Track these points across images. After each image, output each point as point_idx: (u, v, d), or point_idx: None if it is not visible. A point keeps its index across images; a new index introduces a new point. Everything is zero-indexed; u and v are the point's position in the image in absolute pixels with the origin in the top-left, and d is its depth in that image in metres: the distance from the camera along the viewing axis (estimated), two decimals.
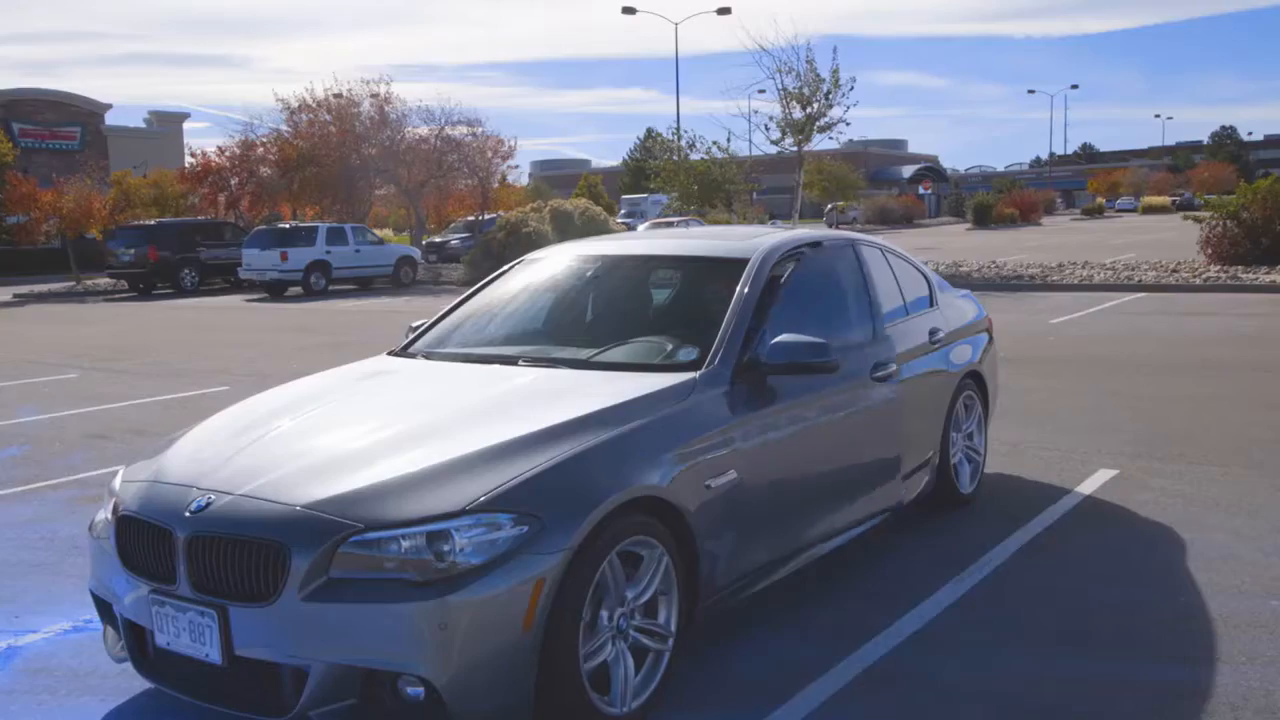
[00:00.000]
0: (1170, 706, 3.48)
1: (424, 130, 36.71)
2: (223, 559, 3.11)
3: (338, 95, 36.67)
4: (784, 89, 24.36)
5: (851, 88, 24.26)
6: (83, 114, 48.53)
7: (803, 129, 24.64)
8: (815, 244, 5.00)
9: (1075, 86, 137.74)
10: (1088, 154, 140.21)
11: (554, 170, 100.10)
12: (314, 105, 36.79)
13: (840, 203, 38.66)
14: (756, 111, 28.22)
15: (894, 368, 4.89)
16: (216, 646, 3.07)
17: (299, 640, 2.98)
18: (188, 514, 3.20)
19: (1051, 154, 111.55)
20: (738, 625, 4.17)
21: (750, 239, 4.81)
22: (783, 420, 4.13)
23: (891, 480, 4.97)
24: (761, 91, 25.74)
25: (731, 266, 4.48)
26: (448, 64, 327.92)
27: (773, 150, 26.03)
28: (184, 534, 3.17)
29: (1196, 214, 23.07)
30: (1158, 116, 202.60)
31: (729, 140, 31.57)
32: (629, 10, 43.85)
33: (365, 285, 27.48)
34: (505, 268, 5.37)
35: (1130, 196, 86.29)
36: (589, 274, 5.04)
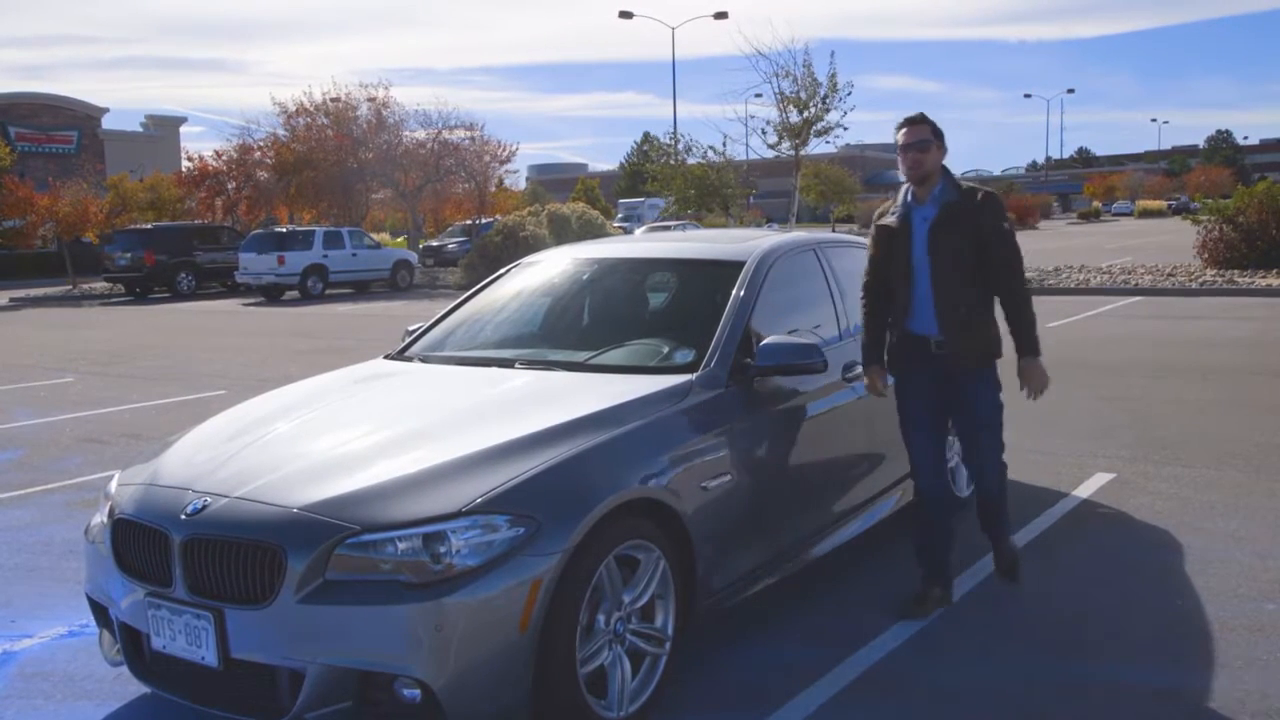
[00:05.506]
0: (1167, 710, 3.48)
1: (421, 134, 36.76)
2: (219, 561, 3.10)
3: (335, 99, 36.69)
4: (780, 93, 24.43)
5: (849, 92, 24.33)
6: (79, 118, 48.56)
7: (799, 133, 24.68)
8: (812, 247, 5.01)
9: (1071, 90, 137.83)
10: (1084, 158, 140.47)
11: (551, 174, 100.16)
12: (311, 109, 36.81)
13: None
14: (754, 116, 28.24)
15: None
16: (213, 649, 3.07)
17: (295, 642, 2.97)
18: (184, 516, 3.19)
19: (1048, 158, 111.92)
20: (735, 628, 4.17)
21: (746, 242, 4.81)
22: (780, 421, 4.15)
23: (888, 482, 4.99)
24: (758, 95, 25.80)
25: (728, 269, 4.48)
26: (442, 67, 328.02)
27: (769, 154, 26.07)
28: (180, 536, 3.16)
29: (1193, 217, 23.10)
30: (1154, 121, 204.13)
31: (725, 144, 31.65)
32: (626, 14, 43.82)
33: (362, 289, 27.47)
34: (502, 271, 5.38)
35: (1126, 200, 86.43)
36: (585, 277, 5.04)
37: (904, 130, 4.22)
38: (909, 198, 4.27)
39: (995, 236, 4.17)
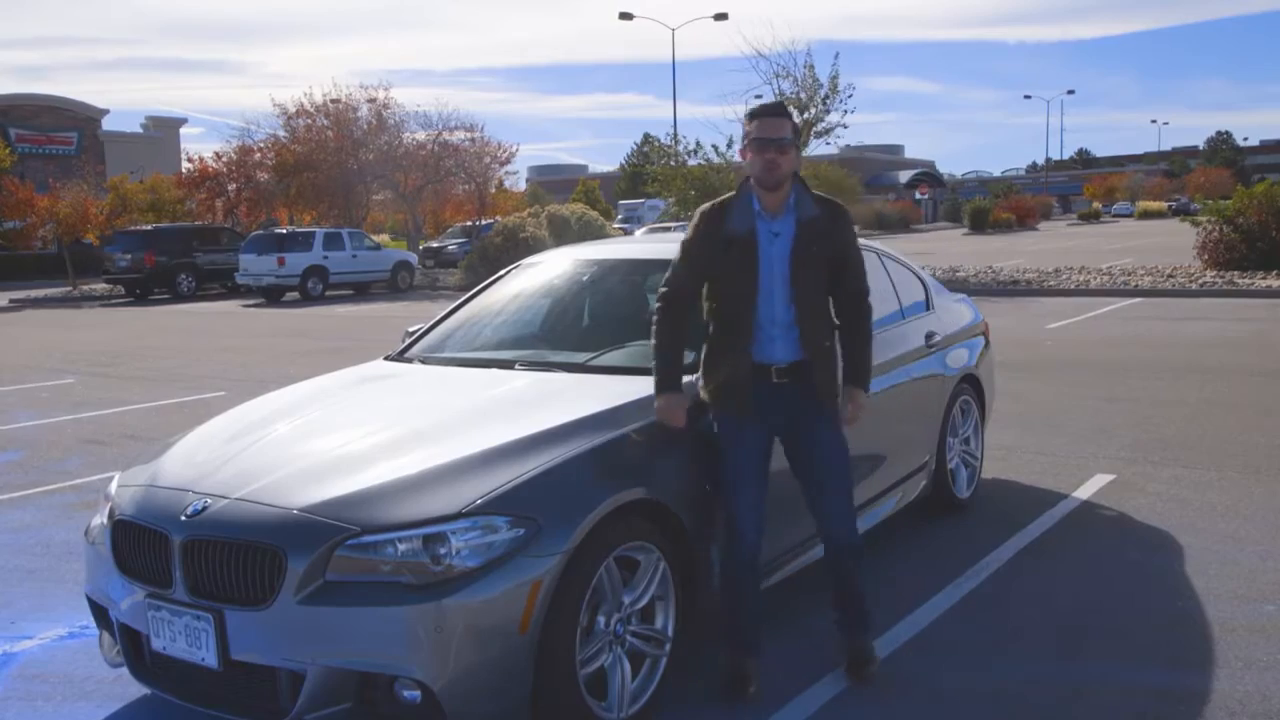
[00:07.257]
0: (1167, 711, 3.48)
1: (421, 135, 36.78)
2: (219, 563, 3.10)
3: (335, 100, 36.70)
4: (780, 94, 24.37)
5: (850, 94, 24.26)
6: (80, 119, 48.54)
7: (799, 134, 24.66)
8: None
9: (1071, 92, 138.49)
10: (1084, 159, 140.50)
11: (551, 175, 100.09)
12: (311, 110, 36.83)
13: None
14: None
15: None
16: (213, 650, 3.07)
17: (295, 644, 2.98)
18: (184, 518, 3.20)
19: (1048, 159, 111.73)
20: None
21: None
22: None
23: (888, 483, 4.99)
24: (758, 97, 25.75)
25: None
26: (441, 69, 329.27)
27: None
28: (180, 538, 3.17)
29: (1193, 219, 23.09)
30: (1154, 122, 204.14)
31: (729, 145, 31.60)
32: (626, 15, 43.80)
33: (362, 290, 27.47)
34: (502, 272, 5.38)
35: (1127, 201, 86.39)
36: (585, 278, 5.04)
37: (758, 122, 3.52)
38: (756, 206, 3.60)
39: (854, 263, 3.69)
